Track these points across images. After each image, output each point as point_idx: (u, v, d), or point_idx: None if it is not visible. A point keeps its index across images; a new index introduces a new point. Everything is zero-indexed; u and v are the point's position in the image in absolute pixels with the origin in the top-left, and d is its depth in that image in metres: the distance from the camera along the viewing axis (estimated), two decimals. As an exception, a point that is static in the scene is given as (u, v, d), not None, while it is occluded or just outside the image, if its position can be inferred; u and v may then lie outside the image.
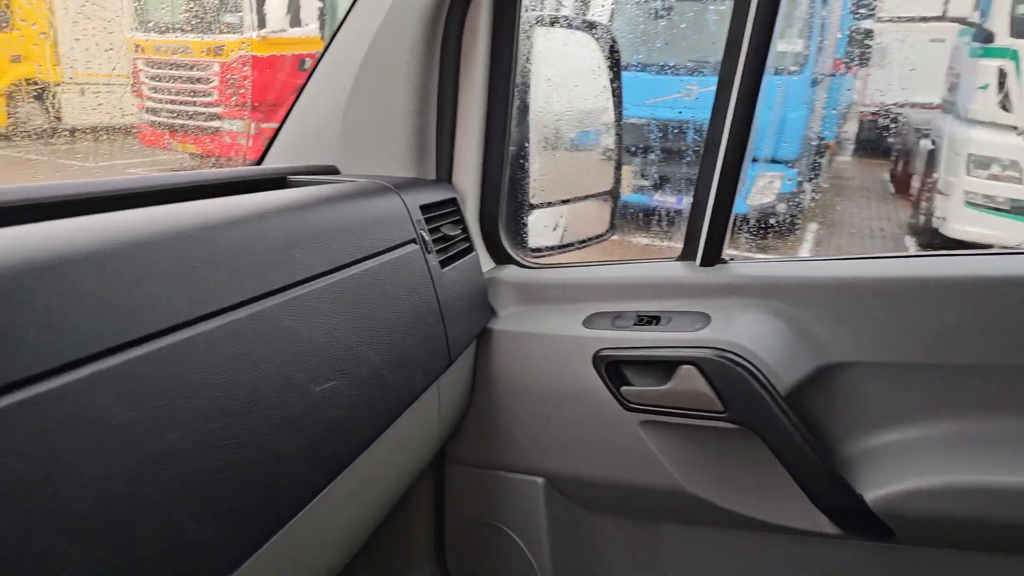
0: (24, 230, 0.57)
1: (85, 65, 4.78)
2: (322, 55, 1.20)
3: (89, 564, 0.50)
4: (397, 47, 1.16)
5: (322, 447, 0.78)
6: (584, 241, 1.44)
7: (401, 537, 1.40)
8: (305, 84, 1.22)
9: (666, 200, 4.73)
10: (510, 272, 1.29)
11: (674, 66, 4.44)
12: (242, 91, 4.77)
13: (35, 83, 4.68)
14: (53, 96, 4.69)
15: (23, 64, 4.78)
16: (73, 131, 4.62)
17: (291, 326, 0.76)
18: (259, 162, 1.29)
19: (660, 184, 4.76)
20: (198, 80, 4.92)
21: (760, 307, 1.12)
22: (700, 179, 1.12)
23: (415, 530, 1.39)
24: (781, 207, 4.65)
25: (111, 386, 0.54)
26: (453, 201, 1.20)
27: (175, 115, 4.89)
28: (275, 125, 1.25)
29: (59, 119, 4.74)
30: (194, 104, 4.90)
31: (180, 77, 5.04)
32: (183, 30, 4.71)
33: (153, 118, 5.04)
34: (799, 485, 1.07)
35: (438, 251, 1.09)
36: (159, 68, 5.07)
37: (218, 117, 4.81)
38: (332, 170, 1.17)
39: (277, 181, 1.09)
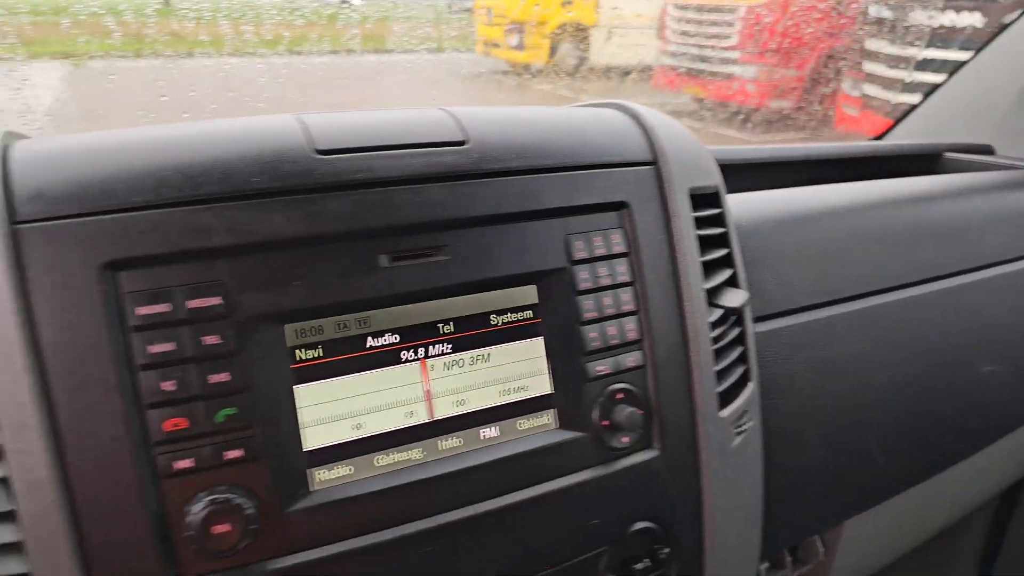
0: (776, 193, 0.80)
1: (618, 8, 5.52)
2: (997, 33, 1.23)
3: (809, 450, 0.71)
4: None
5: (968, 423, 0.89)
6: None
7: (949, 546, 1.43)
8: (968, 59, 1.26)
9: None
10: None
11: None
12: (765, 36, 4.91)
13: (577, 25, 5.56)
14: (586, 37, 5.51)
15: (571, 8, 5.72)
16: (596, 70, 5.41)
17: (975, 306, 0.87)
18: (884, 134, 1.40)
19: None
20: (722, 23, 5.20)
21: None
22: None
23: (966, 543, 1.41)
24: None
25: (849, 322, 0.76)
26: None
27: (694, 58, 5.30)
28: (795, 72, 1.30)
29: (586, 58, 5.56)
30: (714, 47, 5.21)
31: (705, 20, 5.40)
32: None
33: (671, 61, 5.53)
34: None
35: None
36: (686, 11, 5.51)
37: (734, 62, 5.04)
38: (987, 150, 1.21)
39: (932, 156, 1.19)
